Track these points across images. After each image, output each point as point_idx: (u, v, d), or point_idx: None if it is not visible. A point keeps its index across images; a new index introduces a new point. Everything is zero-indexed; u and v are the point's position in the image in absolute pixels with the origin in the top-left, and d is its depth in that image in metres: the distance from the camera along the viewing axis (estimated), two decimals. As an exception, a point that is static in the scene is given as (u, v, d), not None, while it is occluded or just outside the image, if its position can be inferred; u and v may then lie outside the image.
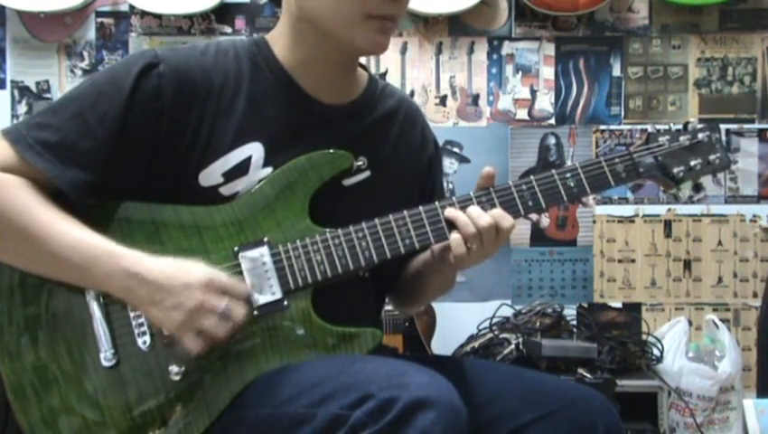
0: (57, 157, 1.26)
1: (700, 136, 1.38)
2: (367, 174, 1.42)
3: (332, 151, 1.36)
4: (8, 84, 3.31)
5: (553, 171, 1.34)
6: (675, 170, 1.36)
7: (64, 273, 1.25)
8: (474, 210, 1.31)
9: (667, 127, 1.38)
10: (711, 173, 1.38)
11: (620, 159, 1.35)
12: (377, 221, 1.32)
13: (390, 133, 1.48)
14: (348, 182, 1.41)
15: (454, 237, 1.31)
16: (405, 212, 1.32)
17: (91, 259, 1.22)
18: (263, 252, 1.30)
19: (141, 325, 1.27)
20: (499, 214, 1.31)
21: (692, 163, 1.37)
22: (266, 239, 1.30)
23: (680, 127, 1.39)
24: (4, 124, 3.22)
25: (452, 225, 1.32)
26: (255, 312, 1.28)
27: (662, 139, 1.37)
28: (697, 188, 1.39)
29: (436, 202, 1.33)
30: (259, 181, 1.33)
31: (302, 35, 1.36)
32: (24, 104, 3.31)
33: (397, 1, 1.31)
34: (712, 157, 1.37)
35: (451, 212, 1.32)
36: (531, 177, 1.34)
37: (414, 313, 2.91)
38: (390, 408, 1.07)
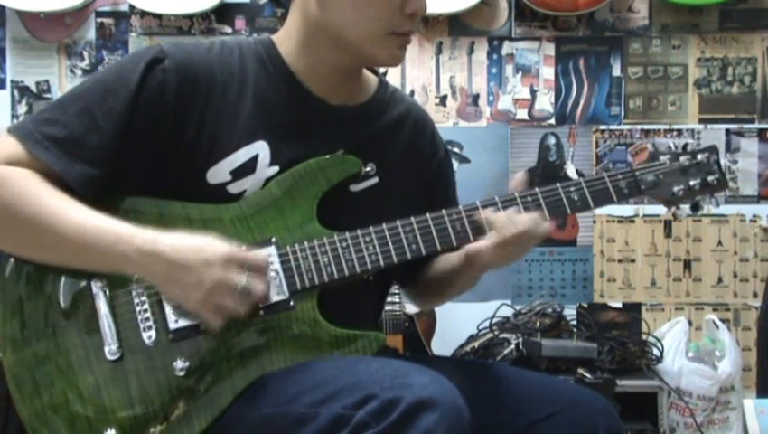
0: (64, 152, 1.27)
1: (699, 157, 1.42)
2: (375, 180, 1.43)
3: (341, 155, 1.37)
4: (8, 84, 3.31)
5: (558, 184, 1.37)
6: (675, 188, 1.40)
7: (79, 258, 1.25)
8: (509, 213, 1.33)
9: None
10: (709, 193, 1.42)
11: (623, 176, 1.39)
12: (384, 225, 1.33)
13: (399, 140, 1.49)
14: (356, 188, 1.41)
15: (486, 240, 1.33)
16: (412, 218, 1.34)
17: (104, 242, 1.23)
18: (271, 252, 1.30)
19: (147, 319, 1.27)
20: (533, 219, 1.34)
21: (691, 182, 1.40)
22: (273, 239, 1.31)
23: (681, 147, 1.43)
24: (5, 124, 3.22)
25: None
26: (261, 311, 1.28)
27: (663, 158, 1.41)
28: (696, 207, 1.42)
29: (443, 211, 1.35)
30: (266, 179, 1.34)
31: (314, 41, 1.37)
32: (24, 104, 3.31)
33: (416, 18, 1.35)
34: (710, 178, 1.41)
35: (488, 213, 1.34)
36: (537, 189, 1.37)
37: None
38: (393, 408, 1.08)
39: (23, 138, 1.28)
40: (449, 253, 1.49)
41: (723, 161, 3.24)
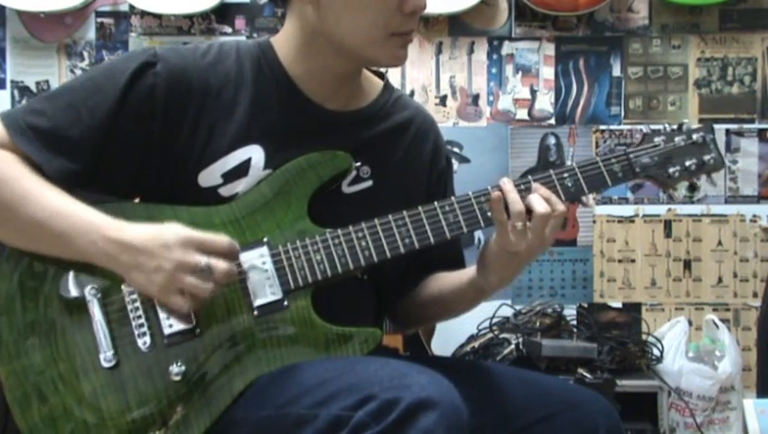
0: (45, 144, 1.29)
1: (695, 136, 1.38)
2: (369, 183, 1.42)
3: (331, 151, 1.36)
4: (8, 84, 3.31)
5: (551, 171, 1.34)
6: (671, 170, 1.37)
7: (48, 243, 1.26)
8: (534, 196, 1.29)
9: (662, 127, 1.39)
10: (706, 173, 1.39)
11: (616, 159, 1.36)
12: (376, 221, 1.32)
13: (399, 145, 1.48)
14: (348, 190, 1.41)
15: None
16: (404, 212, 1.32)
17: (75, 228, 1.24)
18: (263, 252, 1.30)
19: (141, 325, 1.27)
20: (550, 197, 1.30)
21: (687, 163, 1.37)
22: (265, 239, 1.31)
23: (675, 127, 1.39)
24: (4, 124, 3.22)
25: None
26: (255, 312, 1.28)
27: (658, 140, 1.38)
28: (693, 188, 1.40)
29: (435, 203, 1.33)
30: (259, 182, 1.34)
31: (313, 47, 1.37)
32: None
33: (417, 16, 1.33)
34: (706, 158, 1.38)
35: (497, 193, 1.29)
36: (530, 177, 1.34)
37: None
38: (392, 408, 1.07)
39: (8, 126, 1.30)
40: (455, 273, 1.48)
41: (723, 161, 3.23)
